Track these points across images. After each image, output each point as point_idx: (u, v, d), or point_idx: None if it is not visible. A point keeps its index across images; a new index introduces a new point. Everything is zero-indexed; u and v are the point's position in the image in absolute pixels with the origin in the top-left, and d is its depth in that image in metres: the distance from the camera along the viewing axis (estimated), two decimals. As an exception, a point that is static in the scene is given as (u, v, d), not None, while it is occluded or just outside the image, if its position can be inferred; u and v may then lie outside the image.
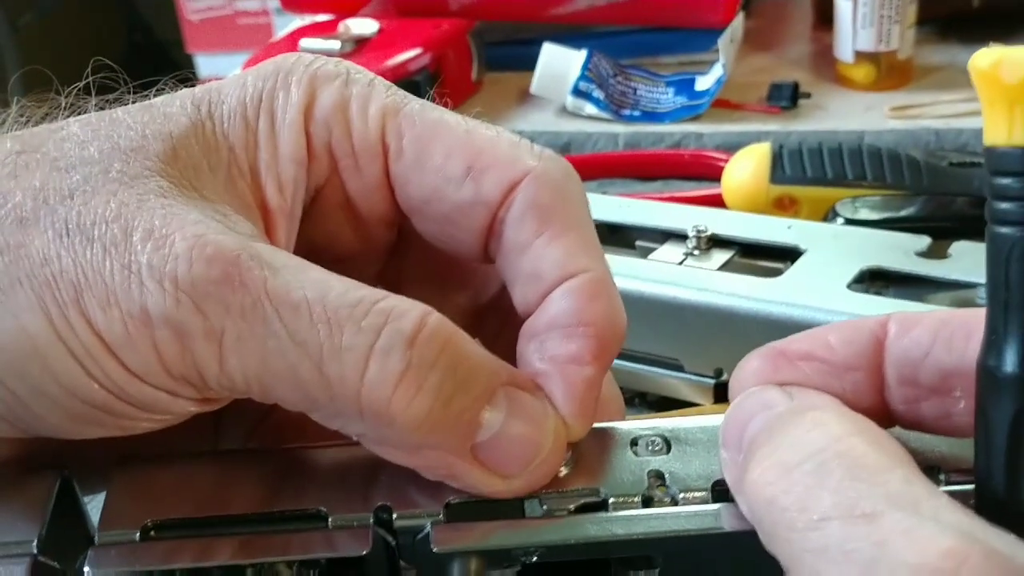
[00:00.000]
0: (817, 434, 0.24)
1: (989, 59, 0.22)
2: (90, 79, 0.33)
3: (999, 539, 0.21)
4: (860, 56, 0.81)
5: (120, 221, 0.26)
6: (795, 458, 0.24)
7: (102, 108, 0.31)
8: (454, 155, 0.30)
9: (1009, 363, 0.23)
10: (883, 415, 0.27)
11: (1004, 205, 0.22)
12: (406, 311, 0.27)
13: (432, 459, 0.27)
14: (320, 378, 0.26)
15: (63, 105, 0.32)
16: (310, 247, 0.32)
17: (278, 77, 0.31)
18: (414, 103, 0.32)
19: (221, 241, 0.26)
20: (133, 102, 0.31)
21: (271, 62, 0.32)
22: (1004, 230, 0.22)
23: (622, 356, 0.49)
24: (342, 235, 0.33)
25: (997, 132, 0.22)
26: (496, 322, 0.34)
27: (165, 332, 0.26)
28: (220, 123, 0.30)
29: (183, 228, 0.27)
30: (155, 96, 0.32)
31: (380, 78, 0.33)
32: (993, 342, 0.23)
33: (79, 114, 0.31)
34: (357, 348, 0.26)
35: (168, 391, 0.27)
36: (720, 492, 0.29)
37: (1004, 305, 0.23)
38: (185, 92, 0.31)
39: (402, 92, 0.32)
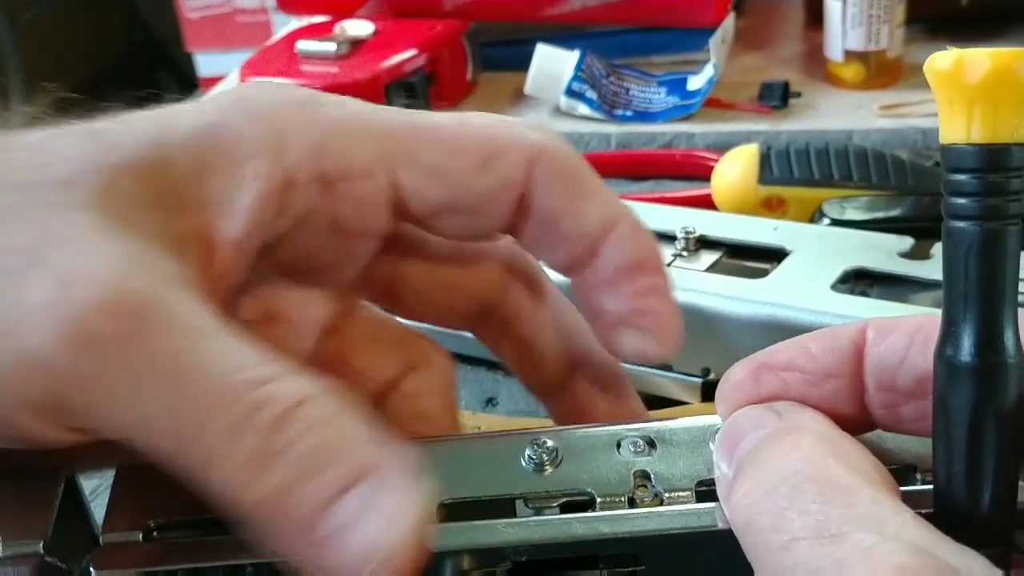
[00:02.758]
0: (794, 457, 0.25)
1: (948, 60, 0.23)
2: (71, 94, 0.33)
3: (957, 555, 0.22)
4: (850, 55, 0.82)
5: (31, 254, 0.26)
6: (772, 481, 0.25)
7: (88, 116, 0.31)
8: (466, 151, 0.31)
9: (967, 352, 0.24)
10: (864, 419, 0.28)
11: (962, 201, 0.23)
12: (281, 397, 0.26)
13: (278, 541, 0.27)
14: (183, 449, 0.26)
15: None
16: (282, 264, 0.32)
17: (239, 106, 0.31)
18: (398, 113, 0.32)
19: (127, 291, 0.26)
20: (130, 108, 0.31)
21: (230, 92, 0.32)
22: (961, 225, 0.23)
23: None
24: (321, 251, 0.33)
25: (955, 131, 0.23)
26: (499, 321, 0.35)
27: (43, 374, 0.26)
28: (169, 153, 0.29)
29: (93, 270, 0.26)
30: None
31: (343, 97, 0.33)
32: (951, 333, 0.24)
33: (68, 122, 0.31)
34: (219, 429, 0.26)
35: (36, 423, 0.27)
36: (704, 492, 0.30)
37: (963, 297, 0.24)
38: (139, 117, 0.30)
39: (378, 107, 0.32)
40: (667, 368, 0.49)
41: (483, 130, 0.32)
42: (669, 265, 0.51)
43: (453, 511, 0.29)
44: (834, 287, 0.47)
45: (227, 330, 0.27)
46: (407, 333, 0.36)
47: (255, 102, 0.31)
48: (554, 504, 0.30)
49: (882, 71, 0.83)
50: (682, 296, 0.48)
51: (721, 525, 0.28)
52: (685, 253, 0.52)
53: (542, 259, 0.34)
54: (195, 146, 0.30)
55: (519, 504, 0.30)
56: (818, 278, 0.47)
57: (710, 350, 0.48)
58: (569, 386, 0.36)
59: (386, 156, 0.31)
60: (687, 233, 0.52)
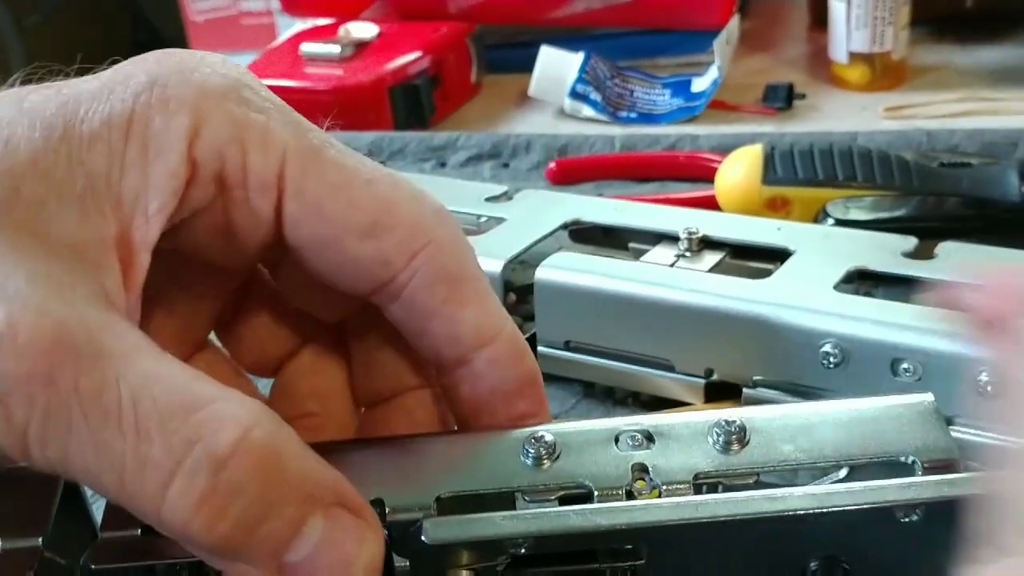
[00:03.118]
0: None
1: None
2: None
3: None
4: (855, 57, 0.82)
5: None
6: None
7: None
8: (357, 208, 0.29)
9: None
10: None
11: None
12: (223, 426, 0.25)
13: (238, 572, 0.26)
14: (122, 488, 0.25)
15: None
16: (174, 254, 0.30)
17: (153, 92, 0.28)
18: (314, 139, 0.30)
19: (38, 323, 0.24)
20: None
21: (143, 70, 0.28)
22: None
23: (615, 357, 0.50)
24: (212, 249, 0.31)
25: None
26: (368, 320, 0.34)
27: None
28: (78, 148, 0.27)
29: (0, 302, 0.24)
30: None
31: (270, 93, 0.30)
32: None
33: None
34: (162, 464, 0.25)
35: None
36: (702, 484, 0.30)
37: None
38: (39, 107, 0.27)
39: (300, 121, 0.30)
40: (670, 369, 0.49)
41: (383, 198, 0.30)
42: (672, 266, 0.51)
43: (451, 505, 0.30)
44: (837, 287, 0.47)
45: (153, 349, 0.26)
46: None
47: (170, 87, 0.28)
48: (552, 498, 0.30)
49: (887, 73, 0.82)
50: (685, 296, 0.48)
51: (712, 517, 0.28)
52: (688, 253, 0.52)
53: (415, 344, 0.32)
54: (106, 141, 0.27)
55: (517, 498, 0.30)
56: (822, 278, 0.47)
57: (713, 351, 0.48)
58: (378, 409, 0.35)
59: (282, 176, 0.29)
60: (690, 233, 0.52)
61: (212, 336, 0.35)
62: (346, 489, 0.28)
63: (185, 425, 0.25)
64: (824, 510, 0.29)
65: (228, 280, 0.34)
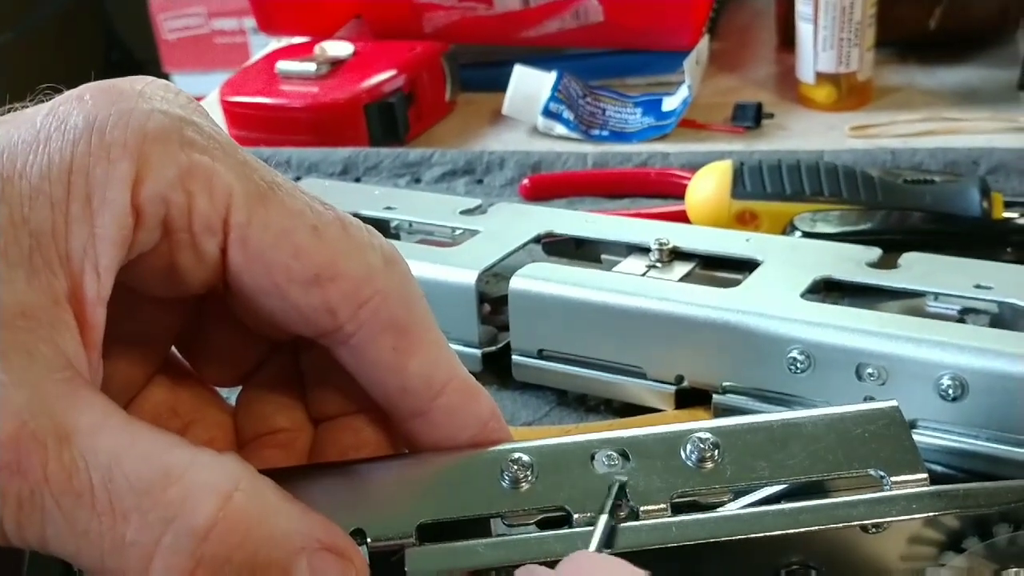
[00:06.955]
0: None
1: None
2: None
3: None
4: (821, 77, 0.84)
5: None
6: None
7: None
8: (302, 257, 0.29)
9: None
10: None
11: None
12: (201, 497, 0.25)
13: None
14: (104, 568, 0.25)
15: None
16: (120, 285, 0.29)
17: (91, 141, 0.27)
18: (261, 181, 0.29)
19: (1, 412, 0.24)
20: None
21: (80, 112, 0.27)
22: None
23: (587, 364, 0.51)
24: (157, 287, 0.30)
25: None
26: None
27: None
28: (19, 205, 0.26)
29: None
30: None
31: (218, 129, 0.30)
32: None
33: None
34: (141, 544, 0.25)
35: None
36: (679, 504, 0.31)
37: None
38: None
39: (247, 161, 0.29)
40: (641, 376, 0.50)
41: (330, 246, 0.29)
42: (643, 275, 0.52)
43: (432, 531, 0.30)
44: (804, 295, 0.48)
45: (120, 417, 0.26)
46: None
47: (108, 133, 0.27)
48: (531, 522, 0.31)
49: (853, 93, 0.84)
50: (656, 305, 0.49)
51: (691, 540, 0.29)
52: (659, 264, 0.53)
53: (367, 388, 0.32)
54: (47, 196, 0.26)
55: (496, 522, 0.31)
56: (788, 288, 0.48)
57: (683, 358, 0.49)
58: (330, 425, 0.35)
59: (227, 222, 0.29)
60: (661, 245, 0.53)
61: (174, 350, 0.35)
62: (328, 530, 0.28)
63: (161, 501, 0.25)
64: (798, 530, 0.30)
65: (182, 301, 0.33)
